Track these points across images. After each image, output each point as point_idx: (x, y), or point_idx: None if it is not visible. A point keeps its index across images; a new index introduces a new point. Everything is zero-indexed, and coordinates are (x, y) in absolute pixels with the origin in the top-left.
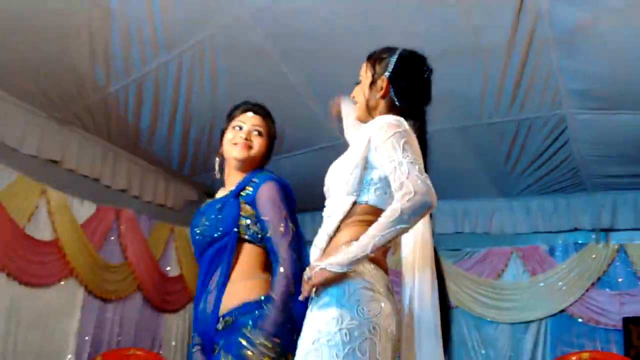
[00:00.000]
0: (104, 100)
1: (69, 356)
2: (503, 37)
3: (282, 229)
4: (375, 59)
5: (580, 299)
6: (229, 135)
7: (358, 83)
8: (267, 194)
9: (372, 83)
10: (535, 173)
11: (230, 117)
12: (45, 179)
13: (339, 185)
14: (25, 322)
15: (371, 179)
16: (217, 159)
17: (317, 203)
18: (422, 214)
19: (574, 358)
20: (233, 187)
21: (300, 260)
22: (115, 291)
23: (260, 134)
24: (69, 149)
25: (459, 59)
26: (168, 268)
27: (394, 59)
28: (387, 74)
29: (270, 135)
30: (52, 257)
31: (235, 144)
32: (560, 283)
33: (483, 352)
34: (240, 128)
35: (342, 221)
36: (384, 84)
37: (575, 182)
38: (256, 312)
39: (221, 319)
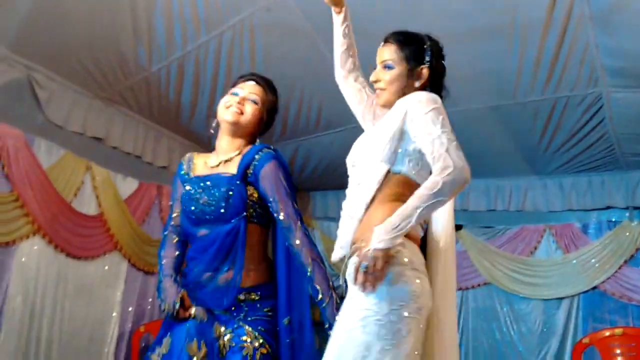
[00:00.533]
0: (147, 79)
1: (113, 325)
2: (540, 14)
3: (291, 210)
4: (406, 45)
5: (613, 276)
6: (224, 99)
7: (390, 68)
8: (270, 173)
9: (410, 71)
10: (570, 151)
11: (233, 85)
12: (91, 156)
13: (371, 154)
14: (72, 293)
15: (405, 150)
16: (214, 122)
17: None
18: (460, 188)
19: (606, 334)
20: (226, 157)
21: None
22: (157, 264)
23: (255, 102)
24: (113, 127)
25: (495, 36)
26: None
27: (428, 47)
28: (427, 62)
29: (268, 107)
30: (97, 230)
31: (228, 107)
32: (593, 260)
33: (515, 327)
34: (237, 94)
35: (377, 190)
36: (426, 73)
37: (610, 160)
38: (275, 297)
39: (244, 291)
